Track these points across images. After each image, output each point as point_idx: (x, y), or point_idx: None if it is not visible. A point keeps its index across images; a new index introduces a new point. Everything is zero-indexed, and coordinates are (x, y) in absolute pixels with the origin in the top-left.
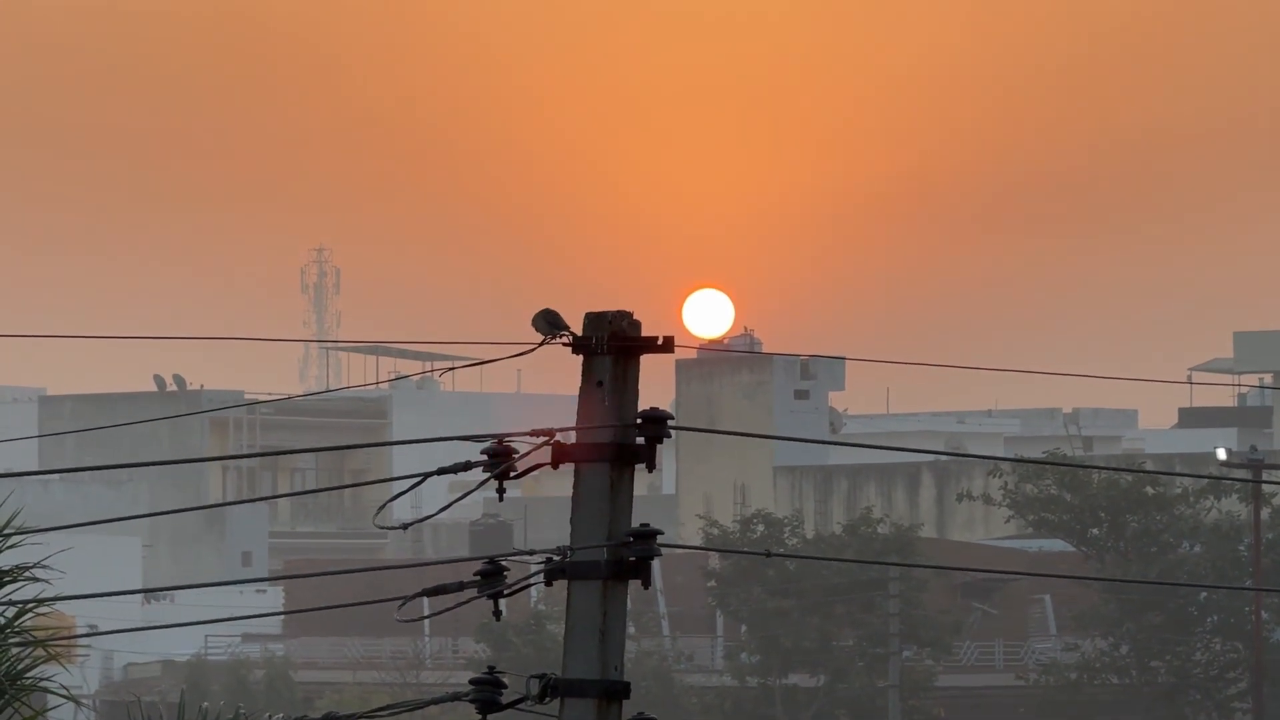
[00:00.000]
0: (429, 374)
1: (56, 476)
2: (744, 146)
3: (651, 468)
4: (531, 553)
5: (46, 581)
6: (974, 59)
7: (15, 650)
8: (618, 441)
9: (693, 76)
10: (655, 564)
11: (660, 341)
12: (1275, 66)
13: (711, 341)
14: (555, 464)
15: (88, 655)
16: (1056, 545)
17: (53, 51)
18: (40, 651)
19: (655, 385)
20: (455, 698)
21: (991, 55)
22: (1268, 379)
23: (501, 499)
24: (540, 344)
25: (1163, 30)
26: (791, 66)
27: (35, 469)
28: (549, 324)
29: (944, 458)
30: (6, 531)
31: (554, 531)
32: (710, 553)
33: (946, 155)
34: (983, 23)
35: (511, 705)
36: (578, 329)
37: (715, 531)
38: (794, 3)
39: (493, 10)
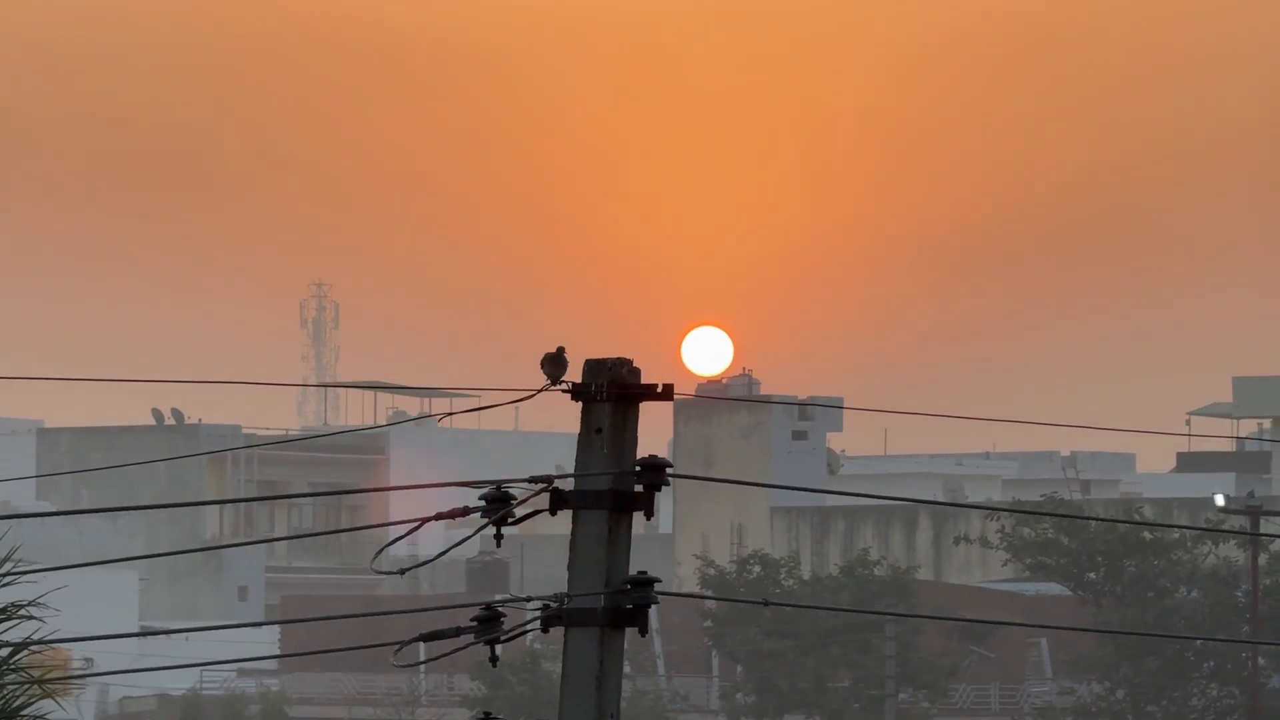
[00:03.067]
0: (428, 417)
1: (53, 508)
2: (745, 187)
3: (649, 516)
4: (529, 599)
5: (41, 620)
6: (970, 101)
7: (11, 687)
8: (616, 489)
9: (695, 117)
10: (652, 607)
11: (660, 389)
12: (1274, 112)
13: (710, 380)
14: (553, 511)
15: (83, 689)
16: (1053, 588)
17: (53, 88)
18: (36, 688)
19: (653, 423)
20: None
21: (988, 98)
22: (1266, 424)
23: (499, 545)
24: (539, 390)
25: (1164, 72)
26: (791, 108)
27: (33, 501)
28: (554, 367)
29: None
30: (2, 571)
31: (551, 569)
32: (709, 591)
33: (947, 198)
34: (977, 66)
35: None
36: (578, 370)
37: (712, 572)
38: (791, 45)
39: (494, 52)
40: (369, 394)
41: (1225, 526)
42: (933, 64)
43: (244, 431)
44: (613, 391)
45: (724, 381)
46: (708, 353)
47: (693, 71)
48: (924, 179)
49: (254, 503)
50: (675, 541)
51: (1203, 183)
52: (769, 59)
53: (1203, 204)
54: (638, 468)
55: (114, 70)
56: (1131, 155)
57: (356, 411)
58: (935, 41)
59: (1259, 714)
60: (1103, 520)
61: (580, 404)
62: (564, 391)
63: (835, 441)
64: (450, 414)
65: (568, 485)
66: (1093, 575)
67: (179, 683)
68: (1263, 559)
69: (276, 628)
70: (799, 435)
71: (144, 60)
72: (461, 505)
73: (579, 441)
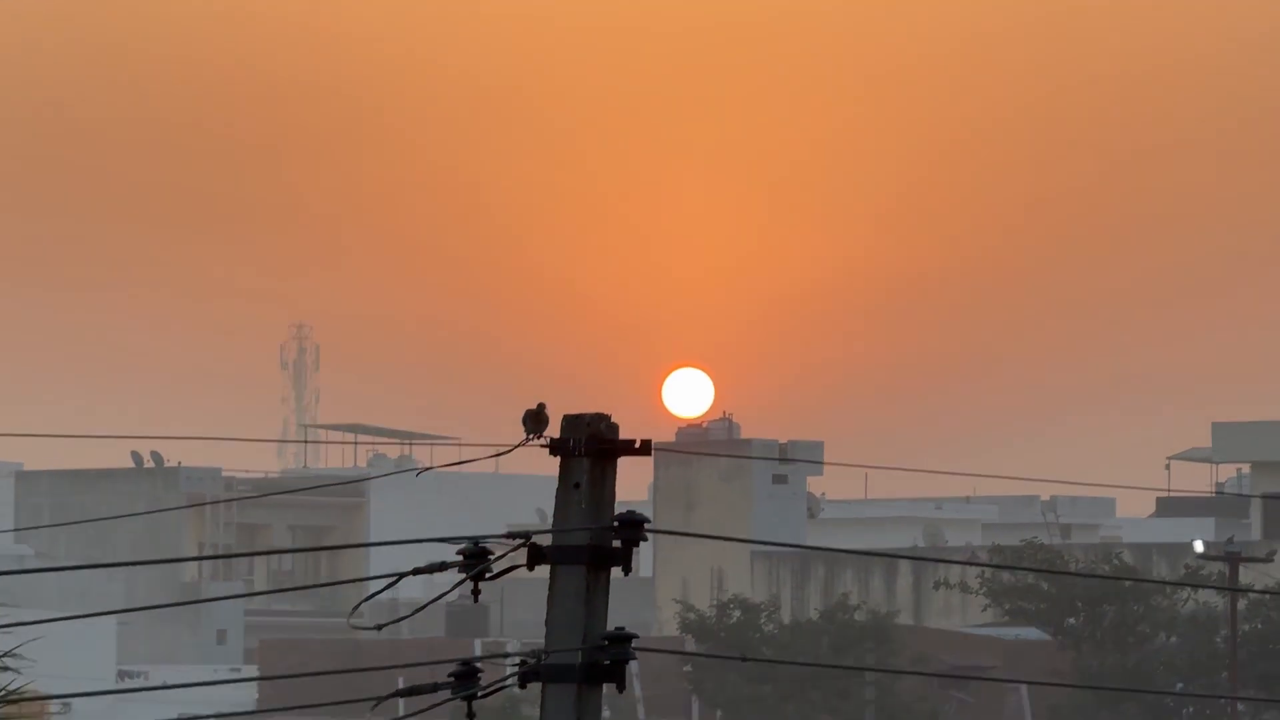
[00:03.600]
0: (408, 471)
1: (31, 551)
2: (727, 229)
3: (627, 572)
4: (506, 655)
5: (17, 671)
6: (948, 143)
7: None
8: (594, 544)
9: (675, 160)
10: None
11: (638, 444)
12: (1258, 161)
13: (690, 423)
14: (531, 566)
15: None
16: (1033, 633)
17: (28, 127)
18: None
19: (634, 465)
20: None
21: (967, 138)
22: (1245, 469)
23: (476, 600)
24: (518, 445)
25: (1149, 122)
26: (770, 152)
27: (11, 545)
28: (535, 424)
29: (921, 545)
30: None
31: (531, 613)
32: (688, 638)
33: (928, 241)
34: (953, 109)
35: None
36: (559, 422)
37: (692, 616)
38: (768, 90)
39: (476, 97)
40: (349, 437)
41: (1204, 572)
42: (908, 107)
43: (224, 474)
44: (591, 447)
45: (705, 424)
46: (688, 394)
47: (672, 116)
48: (905, 222)
49: (234, 546)
50: (656, 586)
51: (1182, 226)
52: (746, 104)
53: (1182, 248)
54: (616, 523)
55: (89, 106)
56: (1111, 203)
57: (337, 454)
58: (909, 85)
59: None
60: (1081, 575)
61: (558, 458)
62: (542, 446)
63: (816, 485)
64: (429, 468)
65: (546, 539)
66: (1072, 620)
67: None
68: (1242, 604)
69: (256, 671)
70: (779, 479)
71: (119, 97)
72: (439, 559)
73: (557, 496)
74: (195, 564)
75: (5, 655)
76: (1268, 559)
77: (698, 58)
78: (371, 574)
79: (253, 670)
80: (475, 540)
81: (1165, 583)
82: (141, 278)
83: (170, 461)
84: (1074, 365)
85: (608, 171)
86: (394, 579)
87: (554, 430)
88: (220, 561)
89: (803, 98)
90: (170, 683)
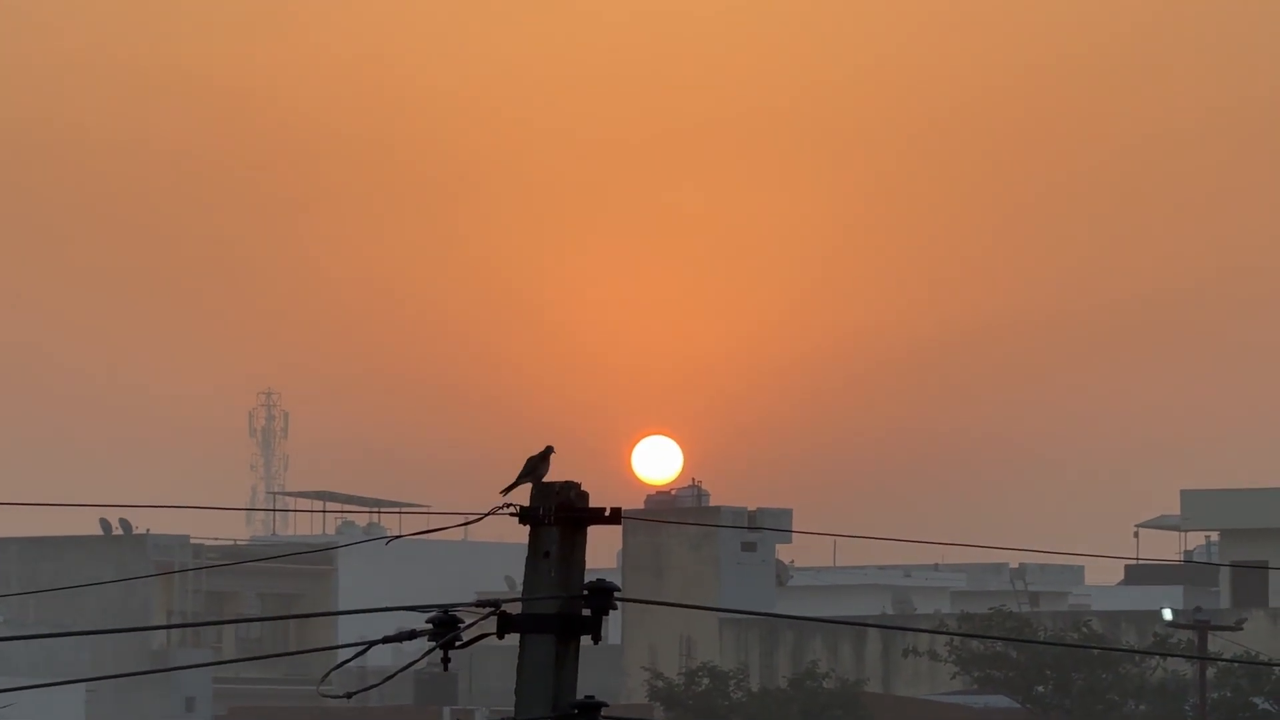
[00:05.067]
0: (376, 540)
1: (2, 618)
2: (698, 302)
3: (597, 640)
4: None
5: None
6: (917, 220)
7: None
8: (563, 613)
9: (645, 237)
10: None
11: (608, 513)
12: (1218, 232)
13: (659, 489)
14: (500, 634)
15: None
16: (1002, 701)
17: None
18: None
19: (603, 532)
20: None
21: (939, 216)
22: (1214, 537)
23: (446, 669)
24: (487, 514)
25: (1115, 189)
26: (737, 230)
27: None
28: (533, 466)
29: (890, 612)
30: None
31: (500, 681)
32: (657, 706)
33: (893, 318)
34: (920, 187)
35: None
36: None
37: (660, 684)
38: (740, 164)
39: (441, 163)
40: (318, 504)
41: (1172, 640)
42: (881, 178)
43: (192, 540)
44: (560, 516)
45: (673, 491)
46: (657, 461)
47: (646, 200)
48: (869, 297)
49: (203, 614)
50: (624, 653)
51: (1148, 299)
52: (717, 178)
53: (1152, 316)
54: (585, 591)
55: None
56: (1077, 272)
57: (305, 521)
58: (875, 167)
59: None
60: (1050, 644)
61: (527, 528)
62: (512, 515)
63: (784, 553)
64: (398, 536)
65: (516, 607)
66: (1041, 688)
67: None
68: (1211, 672)
69: None
70: (748, 546)
71: (91, 159)
72: (409, 628)
73: (527, 565)
74: (164, 631)
75: None
76: (1237, 627)
77: (672, 130)
78: (340, 641)
79: None
80: (444, 609)
81: (1134, 651)
82: (110, 341)
83: (139, 529)
84: (1042, 433)
85: (581, 246)
86: (364, 647)
87: (526, 498)
88: (189, 629)
89: (775, 177)
90: None
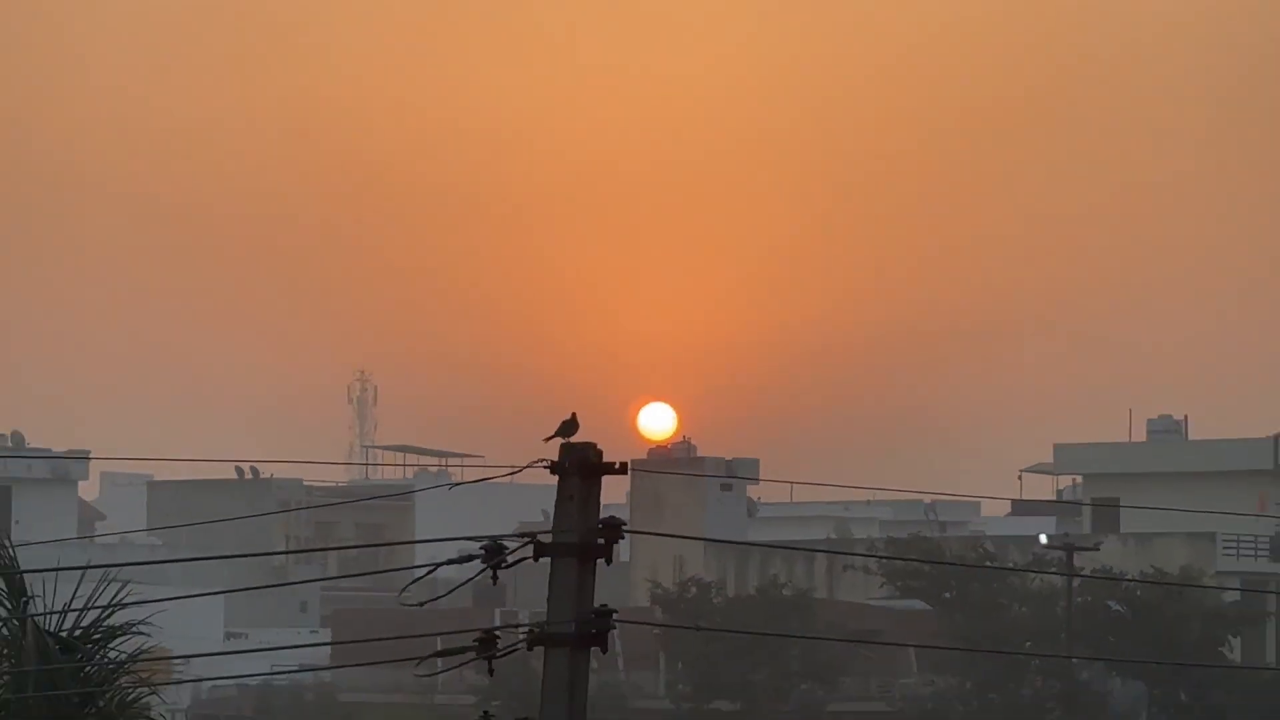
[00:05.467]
0: (444, 486)
1: (161, 543)
2: (693, 292)
3: (609, 562)
4: (518, 626)
5: (149, 635)
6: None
7: (126, 688)
8: (583, 542)
9: (649, 241)
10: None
11: (618, 466)
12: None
13: (658, 444)
14: (536, 559)
15: (181, 683)
16: (918, 604)
17: (102, 169)
18: (144, 688)
19: (614, 480)
20: None
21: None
22: (1079, 480)
23: (495, 583)
24: (527, 466)
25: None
26: (719, 217)
27: (144, 539)
28: (566, 429)
29: (833, 537)
30: (119, 599)
31: (537, 591)
32: (657, 608)
33: (836, 304)
34: (883, 188)
35: None
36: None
37: (660, 592)
38: (723, 150)
39: (495, 171)
40: (400, 457)
41: (1047, 558)
42: (851, 173)
43: (304, 483)
44: (581, 469)
45: (669, 446)
46: (656, 422)
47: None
48: (823, 291)
49: (314, 540)
50: (631, 567)
51: (1013, 270)
52: (706, 168)
53: (1018, 286)
54: (600, 525)
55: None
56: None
57: (391, 470)
58: (849, 161)
59: (1073, 700)
60: (954, 565)
61: (557, 477)
62: (545, 468)
63: (754, 492)
64: (460, 483)
65: (548, 537)
66: (948, 595)
67: (255, 671)
68: (1076, 583)
69: (329, 634)
70: (726, 488)
71: (225, 169)
72: (468, 553)
73: (556, 505)
74: (283, 554)
75: (140, 623)
76: (1095, 549)
77: (668, 162)
78: (417, 563)
79: (327, 634)
80: (494, 539)
81: (1017, 569)
82: (245, 332)
83: (265, 475)
84: (950, 398)
85: (601, 250)
86: (431, 568)
87: (557, 447)
88: (303, 553)
89: (748, 160)
90: (266, 643)
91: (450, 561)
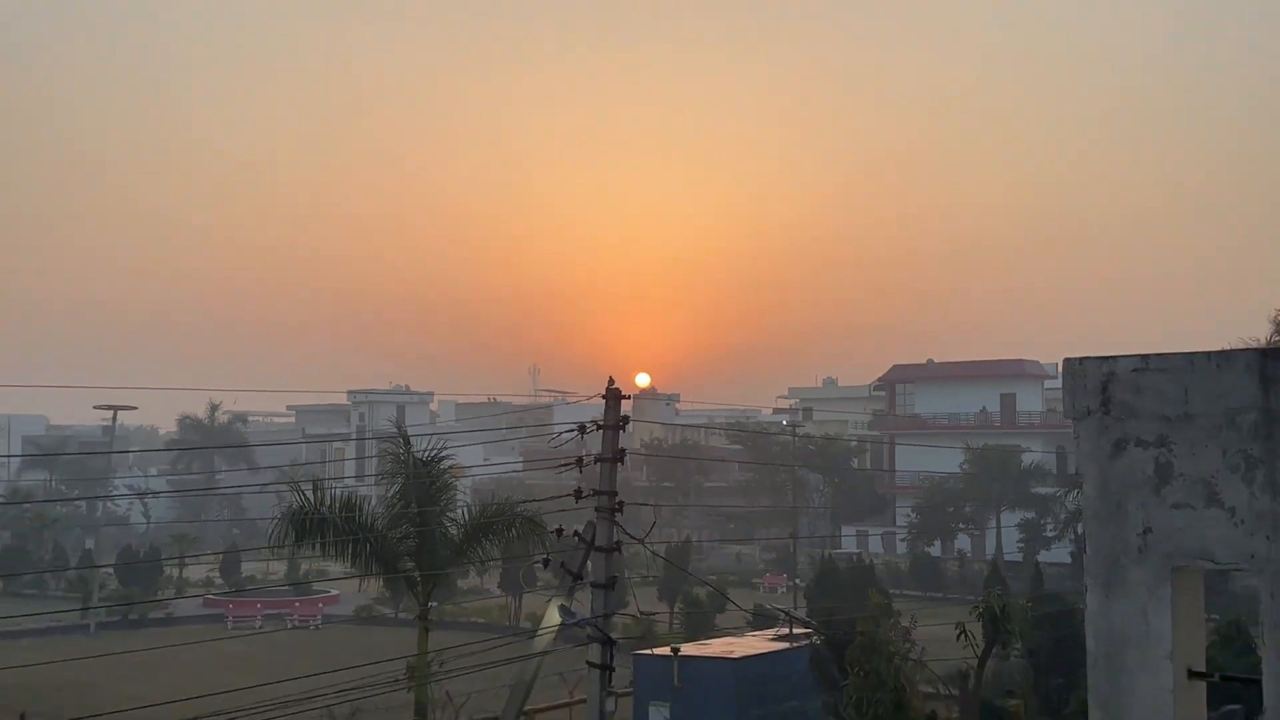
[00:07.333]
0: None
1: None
2: (675, 304)
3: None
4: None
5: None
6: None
7: None
8: (615, 428)
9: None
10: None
11: (630, 396)
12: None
13: (643, 389)
14: (583, 432)
15: None
16: None
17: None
18: None
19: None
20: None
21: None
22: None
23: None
24: (592, 396)
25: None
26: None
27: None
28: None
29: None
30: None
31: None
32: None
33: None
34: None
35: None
36: (598, 387)
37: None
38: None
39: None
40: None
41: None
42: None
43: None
44: (614, 394)
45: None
46: (642, 380)
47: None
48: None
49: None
50: (632, 438)
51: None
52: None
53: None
54: (625, 419)
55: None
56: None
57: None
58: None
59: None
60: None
61: (603, 401)
62: (601, 398)
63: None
64: (567, 401)
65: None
66: None
67: None
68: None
69: None
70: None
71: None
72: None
73: (605, 409)
74: None
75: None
76: None
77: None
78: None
79: None
80: (581, 426)
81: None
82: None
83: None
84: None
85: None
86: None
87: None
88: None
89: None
90: None
91: (568, 432)
